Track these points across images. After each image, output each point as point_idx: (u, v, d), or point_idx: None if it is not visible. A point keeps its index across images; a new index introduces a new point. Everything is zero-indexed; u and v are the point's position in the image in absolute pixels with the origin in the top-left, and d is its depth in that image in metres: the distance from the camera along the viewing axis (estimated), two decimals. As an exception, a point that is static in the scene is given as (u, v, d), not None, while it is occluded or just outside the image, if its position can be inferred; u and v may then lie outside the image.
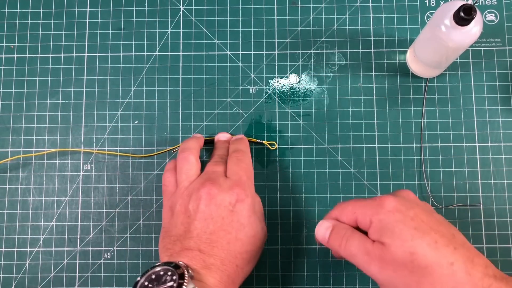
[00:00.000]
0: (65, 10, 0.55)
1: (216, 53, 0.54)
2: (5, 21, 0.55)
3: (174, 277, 0.34)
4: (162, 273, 0.35)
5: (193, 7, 0.55)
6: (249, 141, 0.50)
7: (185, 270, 0.35)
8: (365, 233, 0.36)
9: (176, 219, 0.41)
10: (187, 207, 0.41)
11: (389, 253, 0.32)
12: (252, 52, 0.54)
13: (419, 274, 0.31)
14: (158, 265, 0.36)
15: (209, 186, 0.41)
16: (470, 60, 0.53)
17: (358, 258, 0.35)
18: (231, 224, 0.40)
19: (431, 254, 0.32)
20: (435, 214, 0.36)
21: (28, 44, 0.54)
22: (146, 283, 0.35)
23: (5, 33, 0.55)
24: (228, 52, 0.54)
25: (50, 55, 0.54)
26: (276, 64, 0.53)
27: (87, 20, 0.55)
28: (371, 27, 0.54)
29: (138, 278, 0.36)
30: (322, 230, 0.38)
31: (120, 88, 0.53)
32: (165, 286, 0.34)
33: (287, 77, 0.53)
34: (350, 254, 0.35)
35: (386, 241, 0.33)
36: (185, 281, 0.34)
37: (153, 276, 0.35)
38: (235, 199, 0.41)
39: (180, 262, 0.36)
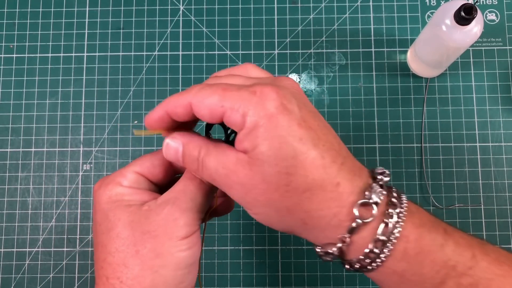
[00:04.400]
0: (64, 9, 0.55)
1: (216, 52, 0.54)
2: (4, 21, 0.55)
3: None
4: None
5: (192, 7, 0.55)
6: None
7: None
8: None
9: None
10: None
11: (258, 171, 0.25)
12: (252, 52, 0.53)
13: (294, 200, 0.25)
14: None
15: None
16: (471, 59, 0.53)
17: (218, 181, 0.27)
18: None
19: (314, 175, 0.25)
20: (319, 114, 0.27)
21: (27, 43, 0.54)
22: None
23: (4, 32, 0.55)
24: (228, 52, 0.54)
25: (49, 54, 0.54)
26: (276, 63, 0.53)
27: (87, 20, 0.55)
28: (372, 26, 0.54)
29: None
30: (171, 151, 0.28)
31: (120, 88, 0.53)
32: None
33: (287, 77, 0.53)
34: (209, 178, 0.27)
35: (259, 156, 0.25)
36: None
37: None
38: None
39: None
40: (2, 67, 0.54)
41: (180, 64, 0.53)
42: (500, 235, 0.49)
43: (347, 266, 0.27)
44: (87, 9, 0.55)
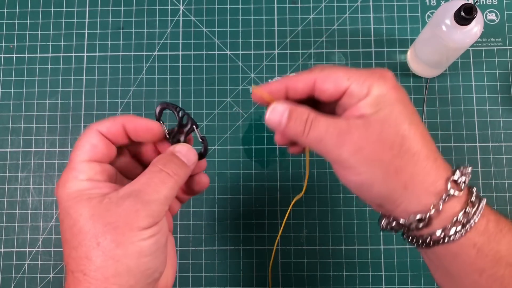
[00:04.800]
0: (64, 9, 0.55)
1: (216, 52, 0.54)
2: (4, 21, 0.55)
3: None
4: None
5: (192, 7, 0.55)
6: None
7: None
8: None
9: None
10: None
11: (375, 132, 0.28)
12: (252, 52, 0.53)
13: (404, 160, 0.28)
14: None
15: None
16: (471, 59, 0.53)
17: (326, 141, 0.29)
18: None
19: (422, 143, 0.29)
20: None
21: (27, 43, 0.54)
22: None
23: (4, 32, 0.55)
24: (228, 52, 0.54)
25: (49, 54, 0.54)
26: (276, 63, 0.53)
27: (86, 20, 0.55)
28: (372, 26, 0.54)
29: None
30: (277, 115, 0.30)
31: (120, 88, 0.53)
32: None
33: (287, 77, 0.53)
34: (316, 138, 0.29)
35: (380, 118, 0.28)
36: None
37: None
38: None
39: None
40: (2, 67, 0.54)
41: (180, 64, 0.53)
42: (500, 235, 0.49)
43: (425, 238, 0.29)
44: (87, 9, 0.55)
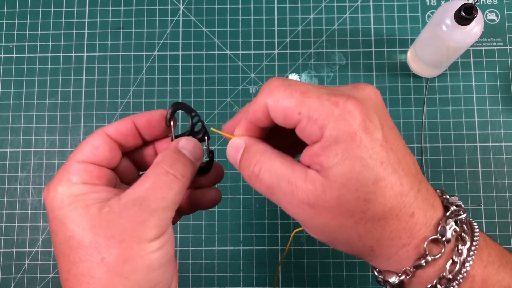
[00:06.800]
0: (64, 9, 0.55)
1: (216, 52, 0.53)
2: (4, 21, 0.55)
3: None
4: None
5: (192, 7, 0.55)
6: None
7: None
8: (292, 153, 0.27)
9: None
10: None
11: (333, 195, 0.23)
12: (252, 52, 0.53)
13: (368, 227, 0.24)
14: None
15: None
16: (471, 59, 0.53)
17: (278, 196, 0.24)
18: None
19: (392, 203, 0.23)
20: (397, 130, 0.26)
21: (27, 43, 0.54)
22: None
23: (4, 32, 0.54)
24: (228, 52, 0.53)
25: (49, 54, 0.54)
26: (276, 63, 0.53)
27: (86, 20, 0.55)
28: (372, 26, 0.53)
29: None
30: (232, 151, 0.27)
31: (120, 88, 0.53)
32: None
33: (287, 77, 0.53)
34: (266, 191, 0.25)
35: (338, 177, 0.23)
36: None
37: None
38: None
39: None
40: (1, 67, 0.54)
41: (180, 64, 0.53)
42: (500, 235, 0.49)
43: None
44: (87, 9, 0.55)
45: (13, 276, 0.50)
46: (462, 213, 0.25)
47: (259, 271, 0.49)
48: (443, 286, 0.24)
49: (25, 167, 0.52)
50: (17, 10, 0.55)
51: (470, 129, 0.51)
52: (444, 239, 0.24)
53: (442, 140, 0.51)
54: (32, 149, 0.52)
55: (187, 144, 0.28)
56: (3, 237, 0.51)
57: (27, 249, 0.50)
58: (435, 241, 0.24)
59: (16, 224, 0.51)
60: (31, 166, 0.52)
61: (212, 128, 0.28)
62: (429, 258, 0.24)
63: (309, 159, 0.24)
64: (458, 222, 0.25)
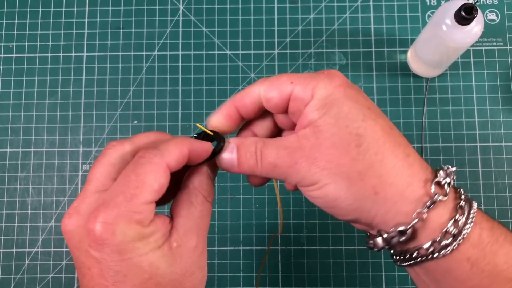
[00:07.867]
0: (63, 9, 0.55)
1: (216, 52, 0.53)
2: (4, 21, 0.55)
3: None
4: None
5: (192, 6, 0.54)
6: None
7: None
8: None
9: None
10: None
11: (326, 136, 0.25)
12: (252, 52, 0.53)
13: (366, 161, 0.25)
14: None
15: None
16: (471, 59, 0.52)
17: (280, 165, 0.26)
18: None
19: (384, 139, 0.25)
20: None
21: (26, 43, 0.54)
22: None
23: (3, 32, 0.54)
24: (228, 52, 0.53)
25: (49, 54, 0.54)
26: (276, 63, 0.53)
27: (86, 20, 0.54)
28: (372, 26, 0.53)
29: None
30: (227, 157, 0.28)
31: (119, 88, 0.53)
32: None
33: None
34: (270, 166, 0.27)
35: (328, 121, 0.25)
36: None
37: None
38: None
39: None
40: (1, 67, 0.54)
41: (180, 64, 0.53)
42: (500, 235, 0.49)
43: (412, 253, 0.25)
44: (87, 9, 0.55)
45: (13, 276, 0.50)
46: (451, 168, 0.26)
47: (260, 271, 0.49)
48: (456, 230, 0.24)
49: (25, 167, 0.52)
50: (17, 10, 0.55)
51: (470, 129, 0.51)
52: (446, 181, 0.25)
53: (442, 140, 0.51)
54: (32, 149, 0.52)
55: (212, 170, 0.29)
56: (3, 237, 0.51)
57: (27, 249, 0.50)
58: (437, 184, 0.25)
59: (16, 224, 0.51)
60: (31, 166, 0.52)
61: (197, 124, 0.30)
62: (439, 197, 0.24)
63: (302, 120, 0.27)
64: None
